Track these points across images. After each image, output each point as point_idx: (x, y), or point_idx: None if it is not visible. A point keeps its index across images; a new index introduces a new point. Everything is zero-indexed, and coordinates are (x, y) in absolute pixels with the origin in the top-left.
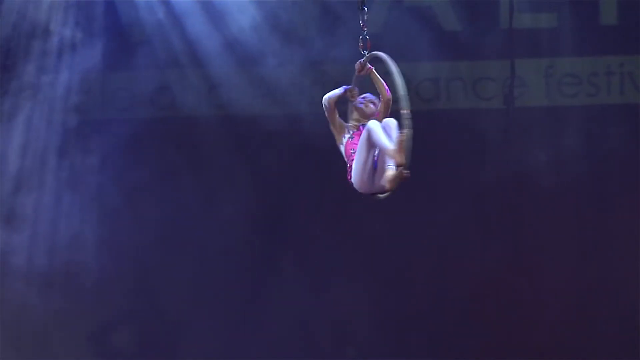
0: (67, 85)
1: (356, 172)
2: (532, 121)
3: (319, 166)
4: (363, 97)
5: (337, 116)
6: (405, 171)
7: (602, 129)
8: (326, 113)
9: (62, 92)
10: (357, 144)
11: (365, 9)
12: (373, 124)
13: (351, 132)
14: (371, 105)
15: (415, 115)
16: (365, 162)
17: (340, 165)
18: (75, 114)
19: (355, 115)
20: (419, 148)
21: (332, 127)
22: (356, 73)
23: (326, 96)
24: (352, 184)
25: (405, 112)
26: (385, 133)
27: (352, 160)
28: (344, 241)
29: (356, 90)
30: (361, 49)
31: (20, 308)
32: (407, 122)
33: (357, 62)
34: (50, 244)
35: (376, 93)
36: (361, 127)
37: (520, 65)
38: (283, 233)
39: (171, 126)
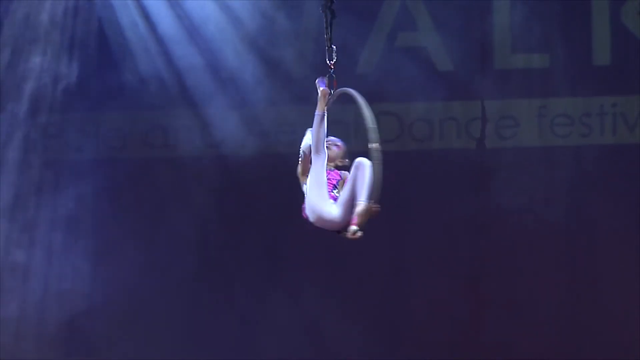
0: (61, 124)
1: (342, 206)
2: (525, 161)
3: None
4: (327, 141)
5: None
6: (375, 206)
7: (594, 169)
8: (301, 160)
9: (55, 131)
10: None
11: (334, 47)
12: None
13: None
14: (334, 148)
15: (409, 155)
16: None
17: None
18: (68, 153)
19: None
20: (413, 187)
21: (301, 171)
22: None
23: (304, 145)
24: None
25: (374, 145)
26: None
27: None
28: (329, 272)
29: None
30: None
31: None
32: (376, 155)
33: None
34: (44, 284)
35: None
36: (328, 171)
37: (513, 105)
38: (274, 270)
39: (165, 166)
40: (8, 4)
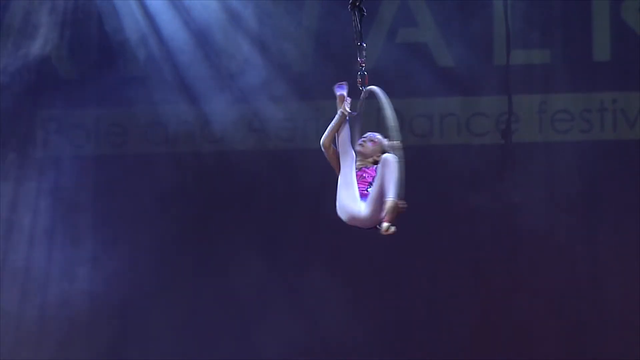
0: (60, 120)
1: (371, 204)
2: (525, 157)
3: (313, 201)
4: (362, 139)
5: (333, 152)
6: (402, 202)
7: (594, 165)
8: (326, 155)
9: (55, 127)
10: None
11: (364, 44)
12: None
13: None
14: (369, 144)
15: (409, 150)
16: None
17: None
18: (69, 149)
19: (359, 156)
20: (413, 183)
21: (332, 163)
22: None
23: (322, 139)
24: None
25: (396, 143)
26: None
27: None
28: (336, 273)
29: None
30: (359, 85)
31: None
32: (398, 153)
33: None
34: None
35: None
36: (364, 169)
37: (514, 101)
38: (275, 267)
39: (165, 161)
40: None
